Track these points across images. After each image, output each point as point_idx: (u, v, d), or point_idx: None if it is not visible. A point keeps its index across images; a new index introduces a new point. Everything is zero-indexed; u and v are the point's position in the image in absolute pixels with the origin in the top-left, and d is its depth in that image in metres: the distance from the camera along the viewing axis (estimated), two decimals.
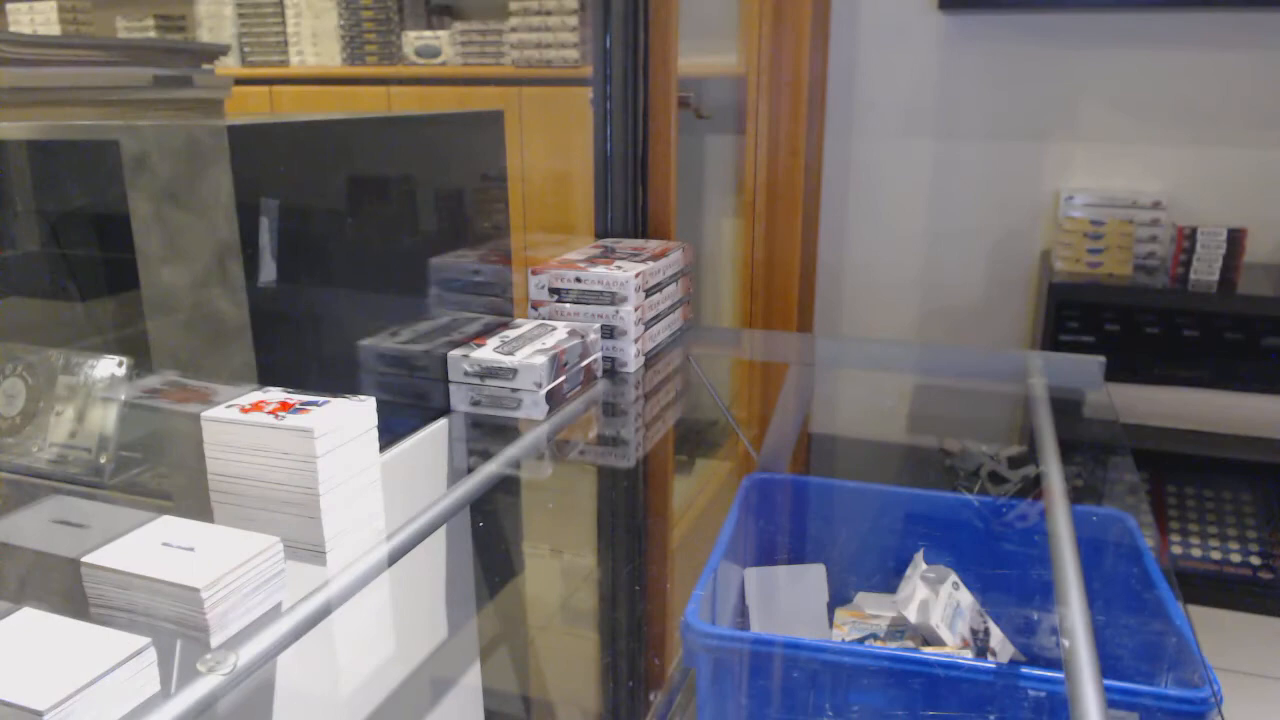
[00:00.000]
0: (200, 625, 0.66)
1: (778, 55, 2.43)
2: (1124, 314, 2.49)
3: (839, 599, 1.44)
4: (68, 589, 0.71)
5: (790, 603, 1.39)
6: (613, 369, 1.32)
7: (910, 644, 1.26)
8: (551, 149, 2.72)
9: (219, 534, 0.73)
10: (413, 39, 2.94)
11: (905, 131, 2.70)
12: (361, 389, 1.02)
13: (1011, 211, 2.66)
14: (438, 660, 1.16)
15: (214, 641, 0.67)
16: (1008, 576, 1.38)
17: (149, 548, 0.71)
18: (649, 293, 1.36)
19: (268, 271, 0.87)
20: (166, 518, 0.76)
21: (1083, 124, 2.55)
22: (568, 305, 1.32)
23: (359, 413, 0.82)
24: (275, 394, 0.84)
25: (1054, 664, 1.17)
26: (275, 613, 0.72)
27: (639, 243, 1.55)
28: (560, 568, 1.70)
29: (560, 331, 1.25)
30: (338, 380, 0.98)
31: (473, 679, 1.28)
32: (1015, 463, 1.79)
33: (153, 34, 3.10)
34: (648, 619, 1.54)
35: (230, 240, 0.84)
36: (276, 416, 0.79)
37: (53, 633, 0.61)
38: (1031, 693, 1.00)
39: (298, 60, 3.14)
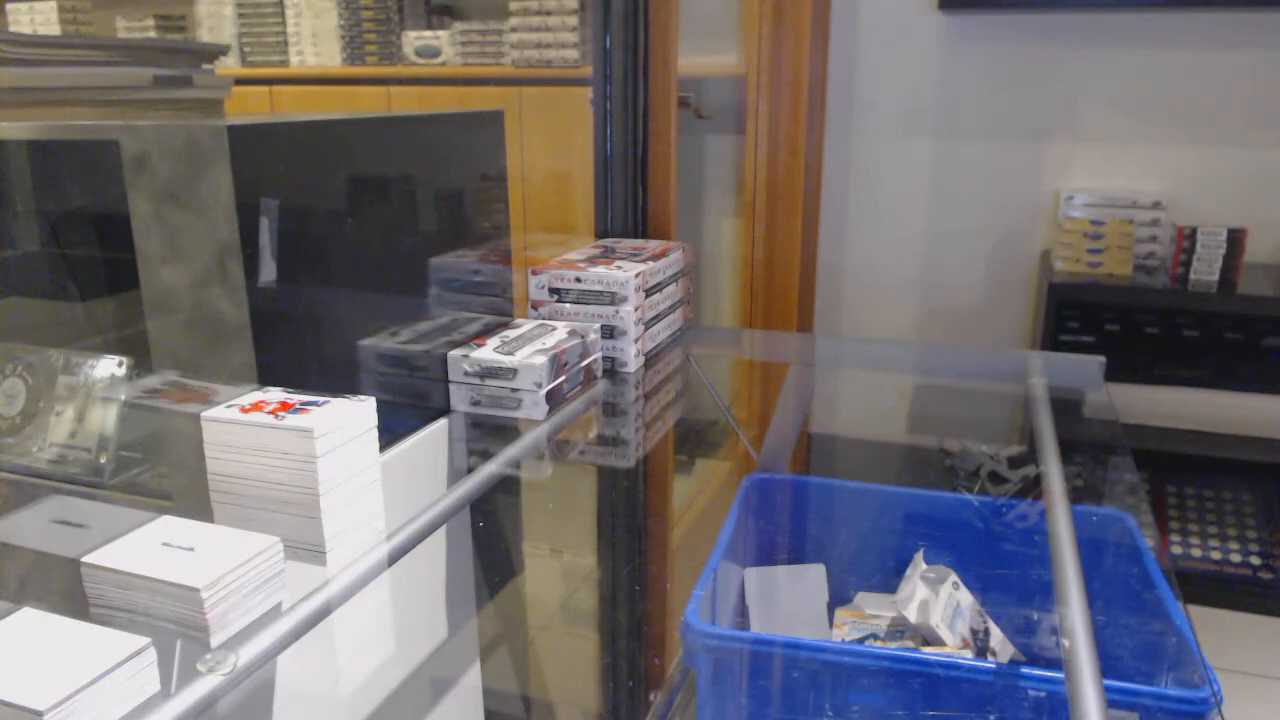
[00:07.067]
0: (200, 625, 0.66)
1: (778, 55, 2.43)
2: (1124, 314, 2.49)
3: (839, 599, 1.44)
4: (68, 589, 0.71)
5: (790, 603, 1.39)
6: (613, 369, 1.32)
7: (910, 644, 1.26)
8: (551, 149, 2.72)
9: (219, 534, 0.73)
10: (413, 39, 2.94)
11: (905, 131, 2.70)
12: (361, 389, 1.02)
13: (1011, 211, 2.66)
14: (438, 660, 1.16)
15: (214, 641, 0.67)
16: (1008, 576, 1.38)
17: (149, 548, 0.71)
18: (649, 293, 1.36)
19: (268, 271, 0.87)
20: (166, 518, 0.76)
21: (1083, 124, 2.55)
22: (568, 305, 1.32)
23: (359, 413, 0.82)
24: (275, 394, 0.84)
25: (1054, 664, 1.17)
26: (275, 613, 0.72)
27: (639, 243, 1.55)
28: (560, 568, 1.70)
29: (560, 331, 1.25)
30: (338, 380, 0.98)
31: (473, 679, 1.28)
32: (1015, 463, 1.79)
33: (153, 34, 3.10)
34: (648, 619, 1.54)
35: (230, 240, 0.84)
36: (276, 416, 0.79)
37: (53, 633, 0.61)
38: (1031, 693, 1.00)
39: (298, 60, 3.14)
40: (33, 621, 0.62)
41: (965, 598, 1.29)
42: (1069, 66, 2.52)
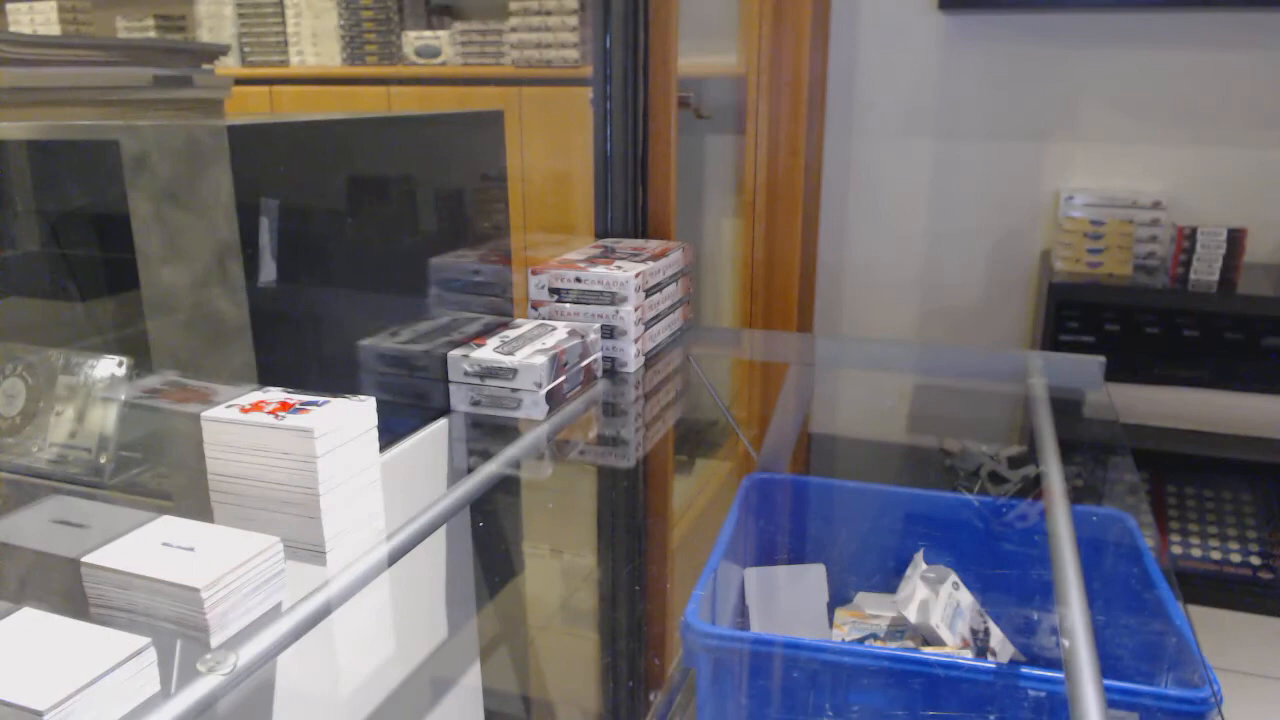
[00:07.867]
0: (200, 625, 0.66)
1: (778, 55, 2.43)
2: (1124, 314, 2.49)
3: (839, 599, 1.44)
4: (68, 589, 0.71)
5: (790, 603, 1.39)
6: (613, 369, 1.32)
7: (910, 644, 1.26)
8: (551, 149, 2.72)
9: (219, 534, 0.73)
10: (413, 39, 2.94)
11: (905, 131, 2.70)
12: (361, 389, 1.02)
13: (1011, 211, 2.66)
14: (438, 660, 1.16)
15: (214, 641, 0.67)
16: (1008, 576, 1.38)
17: (149, 548, 0.71)
18: (649, 293, 1.36)
19: (268, 271, 0.87)
20: (166, 518, 0.76)
21: (1083, 124, 2.55)
22: (568, 305, 1.32)
23: (359, 413, 0.82)
24: (275, 394, 0.84)
25: (1054, 664, 1.17)
26: (275, 613, 0.72)
27: (639, 243, 1.55)
28: (560, 568, 1.70)
29: (560, 331, 1.25)
30: (338, 380, 0.98)
31: (473, 679, 1.28)
32: (1015, 463, 1.79)
33: (153, 34, 3.10)
34: (648, 619, 1.54)
35: (230, 240, 0.84)
36: (276, 416, 0.79)
37: (53, 633, 0.61)
38: (1031, 693, 1.00)
39: (298, 60, 3.14)
40: (33, 621, 0.62)
41: (965, 598, 1.29)
42: (1069, 66, 2.52)
